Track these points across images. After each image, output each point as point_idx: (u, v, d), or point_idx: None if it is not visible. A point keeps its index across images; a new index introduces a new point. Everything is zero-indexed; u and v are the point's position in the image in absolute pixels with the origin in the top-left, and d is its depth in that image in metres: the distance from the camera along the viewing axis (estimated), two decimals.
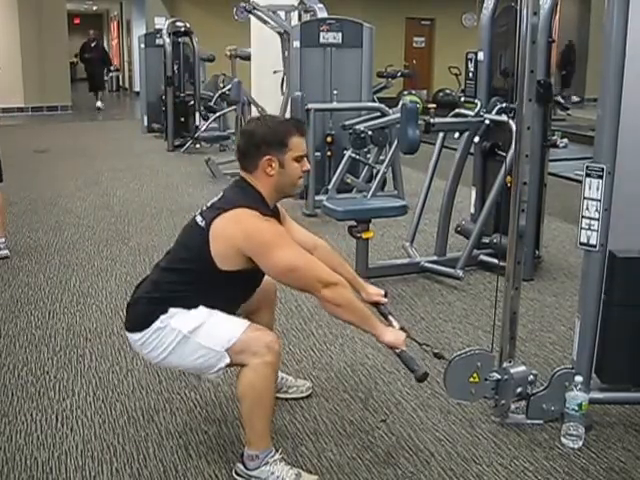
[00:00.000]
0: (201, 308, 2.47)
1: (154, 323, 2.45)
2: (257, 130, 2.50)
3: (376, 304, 2.77)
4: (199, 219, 2.49)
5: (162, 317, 2.45)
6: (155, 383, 3.25)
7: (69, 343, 3.68)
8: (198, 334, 2.42)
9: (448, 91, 16.17)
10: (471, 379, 2.74)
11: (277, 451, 2.51)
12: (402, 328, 2.62)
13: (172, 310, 2.45)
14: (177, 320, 2.44)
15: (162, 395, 3.14)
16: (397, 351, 2.46)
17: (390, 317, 2.70)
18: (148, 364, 3.42)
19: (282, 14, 8.09)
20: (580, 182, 2.75)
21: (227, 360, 2.41)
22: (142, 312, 2.53)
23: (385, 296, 2.83)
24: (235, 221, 2.40)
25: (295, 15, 8.28)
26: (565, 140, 4.74)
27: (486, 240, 4.86)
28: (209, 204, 2.54)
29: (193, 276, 2.48)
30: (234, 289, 2.54)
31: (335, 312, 2.45)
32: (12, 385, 3.21)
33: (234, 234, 2.39)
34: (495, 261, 4.64)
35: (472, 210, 5.09)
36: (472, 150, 4.96)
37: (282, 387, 3.08)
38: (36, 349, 3.60)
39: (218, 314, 2.48)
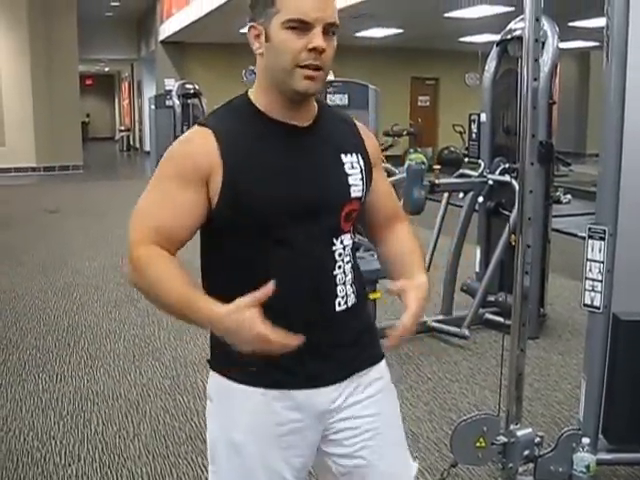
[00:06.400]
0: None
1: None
2: None
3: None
4: None
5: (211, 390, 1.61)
6: (162, 447, 3.24)
7: (76, 407, 3.68)
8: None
9: (453, 149, 16.36)
10: (477, 444, 2.72)
11: None
12: None
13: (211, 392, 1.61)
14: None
15: (169, 459, 3.13)
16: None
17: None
18: (155, 428, 3.43)
19: None
20: (584, 239, 2.77)
21: None
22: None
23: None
24: None
25: None
26: (568, 196, 4.80)
27: (491, 298, 4.88)
28: None
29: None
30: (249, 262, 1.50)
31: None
32: (17, 450, 3.21)
33: None
34: (501, 319, 4.64)
35: (477, 269, 5.12)
36: (477, 207, 5.01)
37: None
38: (43, 413, 3.60)
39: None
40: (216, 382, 1.57)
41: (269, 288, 1.31)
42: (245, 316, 1.29)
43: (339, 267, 1.55)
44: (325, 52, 1.45)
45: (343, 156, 1.57)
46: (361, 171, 1.59)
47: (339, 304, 1.54)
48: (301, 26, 1.43)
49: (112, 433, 3.38)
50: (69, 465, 3.08)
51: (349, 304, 1.56)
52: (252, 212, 1.46)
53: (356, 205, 1.58)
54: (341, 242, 1.56)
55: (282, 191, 1.48)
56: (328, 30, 1.45)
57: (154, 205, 1.52)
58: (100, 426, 3.45)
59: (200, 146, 1.47)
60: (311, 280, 1.50)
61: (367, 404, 1.59)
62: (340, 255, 1.55)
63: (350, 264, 1.58)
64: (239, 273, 1.48)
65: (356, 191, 1.57)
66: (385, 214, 1.72)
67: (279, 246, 1.48)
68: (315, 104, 1.58)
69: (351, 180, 1.56)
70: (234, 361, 1.48)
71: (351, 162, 1.58)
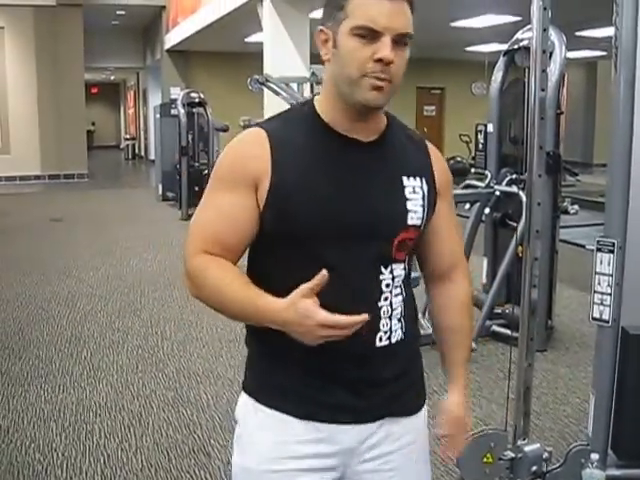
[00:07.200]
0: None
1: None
2: None
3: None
4: None
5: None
6: (165, 461, 3.20)
7: (78, 419, 3.64)
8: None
9: (459, 158, 16.33)
10: (485, 460, 2.68)
11: None
12: None
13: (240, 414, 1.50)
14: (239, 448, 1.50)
15: (171, 473, 3.09)
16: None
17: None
18: (157, 441, 3.39)
19: (294, 86, 8.26)
20: (592, 251, 2.73)
21: None
22: None
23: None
24: None
25: (307, 87, 8.44)
26: (576, 206, 4.77)
27: (498, 310, 4.83)
28: None
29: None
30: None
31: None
32: (19, 463, 3.17)
33: None
34: (508, 332, 4.60)
35: (484, 280, 5.08)
36: (483, 218, 4.98)
37: None
38: (45, 425, 3.57)
39: None
40: (244, 403, 1.48)
41: (323, 276, 1.22)
42: (302, 306, 1.21)
43: (385, 299, 1.41)
44: (393, 64, 1.31)
45: (405, 179, 1.43)
46: (423, 197, 1.44)
47: (380, 339, 1.40)
48: (369, 34, 1.30)
49: (114, 445, 3.34)
50: (71, 478, 3.04)
51: (392, 340, 1.43)
52: (294, 228, 1.35)
53: (412, 233, 1.44)
54: (390, 272, 1.41)
55: (329, 209, 1.35)
56: (400, 40, 1.32)
57: (207, 213, 1.43)
58: (102, 438, 3.42)
59: (252, 148, 1.37)
60: (352, 310, 1.25)
61: (393, 457, 1.48)
62: (388, 286, 1.41)
63: (400, 297, 1.44)
64: (274, 295, 1.29)
65: (414, 218, 1.42)
66: (444, 263, 1.57)
67: (320, 269, 1.26)
68: (384, 118, 1.47)
69: (410, 205, 1.42)
70: (265, 384, 1.44)
71: (413, 186, 1.44)
